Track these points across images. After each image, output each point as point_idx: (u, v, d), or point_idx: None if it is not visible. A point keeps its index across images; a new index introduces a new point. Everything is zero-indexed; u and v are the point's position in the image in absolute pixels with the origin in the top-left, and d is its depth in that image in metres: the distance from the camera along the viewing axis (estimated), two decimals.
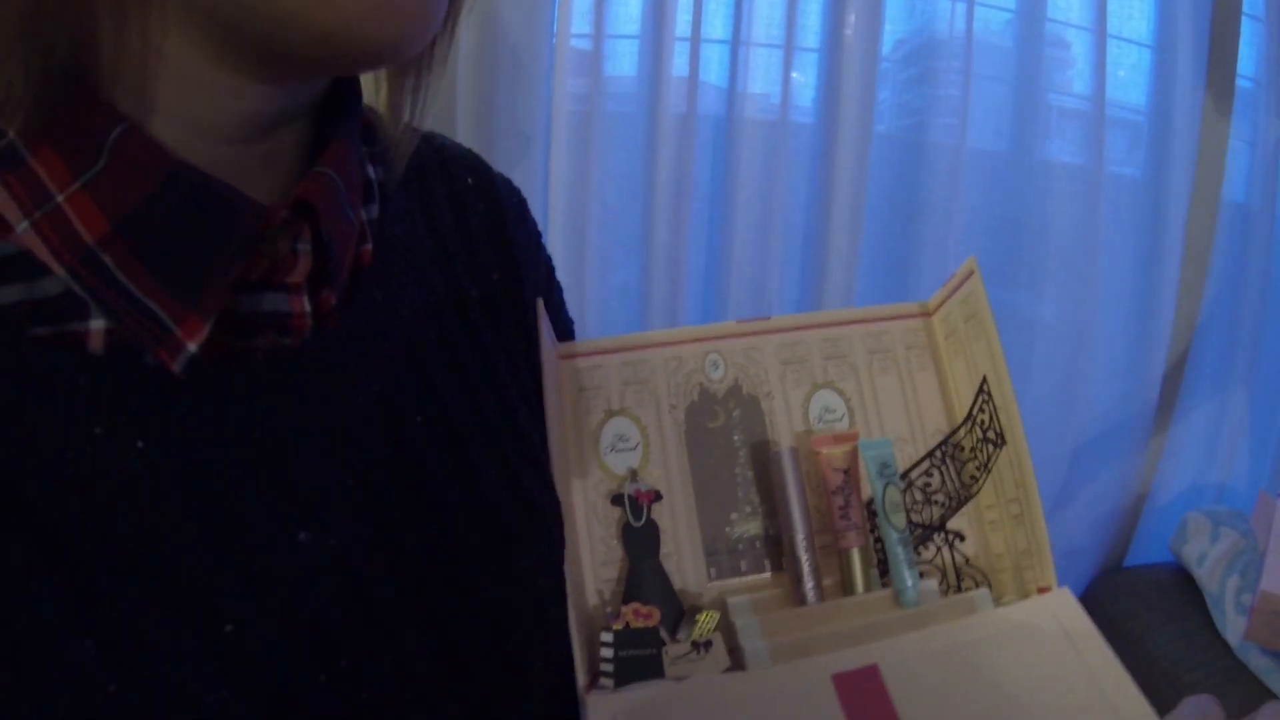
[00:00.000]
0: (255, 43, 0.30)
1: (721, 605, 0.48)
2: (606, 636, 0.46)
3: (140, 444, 0.31)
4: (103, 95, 0.30)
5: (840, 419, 0.52)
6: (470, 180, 0.51)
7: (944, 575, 0.49)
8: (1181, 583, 1.22)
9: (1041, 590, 0.46)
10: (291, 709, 0.33)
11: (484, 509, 0.43)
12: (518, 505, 0.45)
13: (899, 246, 1.16)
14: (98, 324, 0.31)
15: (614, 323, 1.10)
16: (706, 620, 0.47)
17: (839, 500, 0.49)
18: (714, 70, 1.07)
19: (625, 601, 0.48)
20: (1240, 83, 1.24)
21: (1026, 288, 1.20)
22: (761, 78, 1.08)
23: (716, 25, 1.05)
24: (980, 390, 0.50)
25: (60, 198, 0.29)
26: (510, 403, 0.48)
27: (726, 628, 0.46)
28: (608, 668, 0.45)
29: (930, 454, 0.52)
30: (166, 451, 0.31)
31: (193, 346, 0.31)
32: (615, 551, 0.50)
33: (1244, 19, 1.23)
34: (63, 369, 0.30)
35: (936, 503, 0.51)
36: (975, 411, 0.51)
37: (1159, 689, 1.05)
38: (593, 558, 0.50)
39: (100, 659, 0.29)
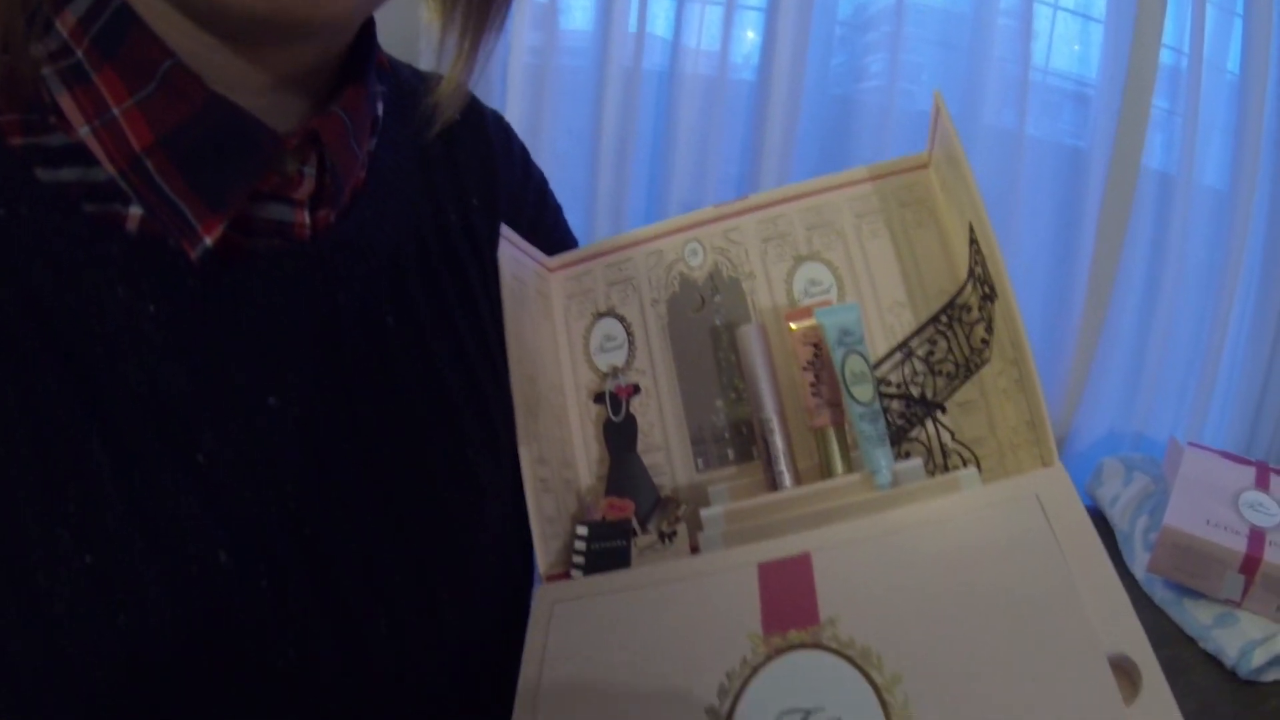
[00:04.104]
0: (206, 18, 0.36)
1: (703, 494, 0.47)
2: (581, 529, 0.47)
3: (152, 309, 0.38)
4: (157, 34, 0.37)
5: (828, 290, 0.48)
6: (459, 117, 0.55)
7: (930, 454, 0.44)
8: (1095, 522, 1.26)
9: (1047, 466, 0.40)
10: (249, 531, 0.39)
11: (439, 401, 0.48)
12: (471, 401, 0.49)
13: None
14: (136, 210, 0.38)
15: None
16: (669, 515, 0.47)
17: (809, 376, 0.45)
18: (661, 26, 1.16)
19: (606, 495, 0.49)
20: (1164, 53, 1.32)
21: None
22: (708, 35, 1.17)
23: None
24: (971, 240, 0.44)
25: (117, 111, 0.36)
26: (480, 316, 0.50)
27: (696, 516, 0.46)
28: (579, 560, 0.46)
29: (934, 319, 0.47)
30: (172, 318, 0.38)
31: (209, 240, 0.38)
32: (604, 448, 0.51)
33: None
34: (102, 240, 0.37)
35: (942, 373, 0.46)
36: (973, 266, 0.45)
37: None
38: (587, 455, 0.51)
39: (103, 453, 0.36)
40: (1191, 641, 1.02)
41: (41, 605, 0.34)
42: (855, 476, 0.43)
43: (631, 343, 0.51)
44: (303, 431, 0.41)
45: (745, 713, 0.34)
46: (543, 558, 0.46)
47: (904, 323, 0.47)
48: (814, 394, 0.45)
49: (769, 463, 0.45)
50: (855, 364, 0.43)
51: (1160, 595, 1.08)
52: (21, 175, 0.36)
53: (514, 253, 0.50)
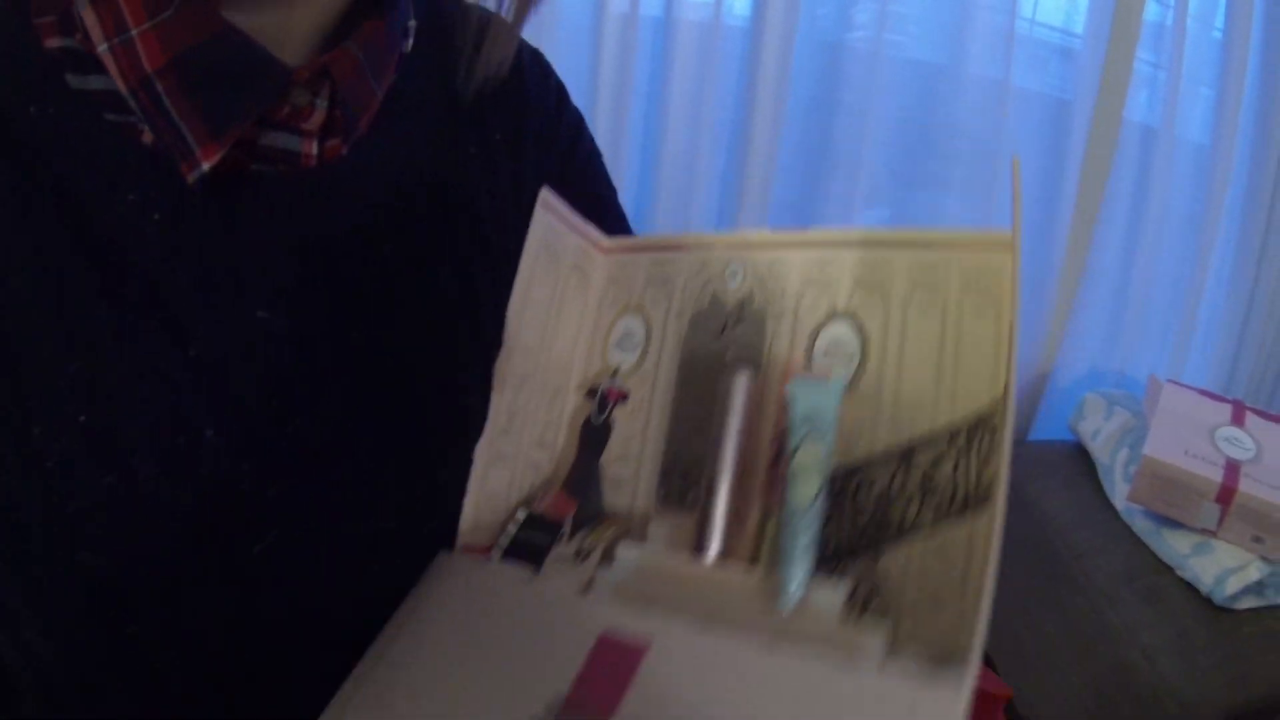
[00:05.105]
0: None
1: (641, 527, 0.44)
2: (520, 514, 0.46)
3: (156, 216, 0.41)
4: None
5: (850, 358, 0.41)
6: None
7: (855, 589, 0.37)
8: (1077, 456, 1.34)
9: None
10: (235, 418, 0.41)
11: (435, 331, 0.47)
12: (472, 336, 0.48)
13: (815, 143, 1.29)
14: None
15: None
16: (598, 534, 0.44)
17: (774, 449, 0.39)
18: None
19: (561, 489, 0.47)
20: (1150, 8, 1.36)
21: (934, 188, 1.32)
22: None
23: None
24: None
25: (134, 31, 0.39)
26: (492, 256, 0.49)
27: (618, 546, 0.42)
28: (504, 541, 0.45)
29: (952, 435, 0.38)
30: (174, 226, 0.41)
31: (206, 166, 0.40)
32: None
33: None
34: (120, 147, 0.40)
35: (933, 504, 0.38)
36: (1008, 381, 0.36)
37: (1052, 546, 1.22)
38: (567, 444, 0.49)
39: (108, 319, 0.39)
40: (1169, 570, 1.08)
41: (36, 458, 0.37)
42: (756, 581, 0.37)
43: (646, 346, 0.48)
44: (290, 343, 0.43)
45: None
46: (466, 526, 0.45)
47: (918, 425, 0.39)
48: (773, 466, 0.39)
49: (703, 521, 0.41)
50: (810, 455, 0.37)
51: (1140, 525, 1.13)
52: (54, 80, 0.39)
53: (552, 220, 0.48)
